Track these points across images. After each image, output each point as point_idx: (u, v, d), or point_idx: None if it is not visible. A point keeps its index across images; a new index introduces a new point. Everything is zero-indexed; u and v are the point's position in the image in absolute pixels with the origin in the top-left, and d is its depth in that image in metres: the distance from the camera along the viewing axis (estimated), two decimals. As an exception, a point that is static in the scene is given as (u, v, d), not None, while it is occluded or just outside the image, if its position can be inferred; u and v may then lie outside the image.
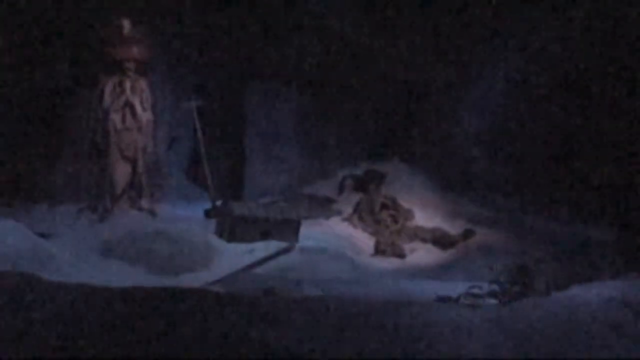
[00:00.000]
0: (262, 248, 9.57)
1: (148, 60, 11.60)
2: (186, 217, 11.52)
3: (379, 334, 5.37)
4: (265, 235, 9.93)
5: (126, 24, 11.45)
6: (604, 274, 8.14)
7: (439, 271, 9.73)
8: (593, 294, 6.65)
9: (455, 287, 7.38)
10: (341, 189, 12.54)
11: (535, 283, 7.19)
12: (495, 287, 6.70)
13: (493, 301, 6.57)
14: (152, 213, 11.39)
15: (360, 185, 12.39)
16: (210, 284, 8.59)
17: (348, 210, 12.03)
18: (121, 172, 11.40)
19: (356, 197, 12.28)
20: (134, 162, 11.43)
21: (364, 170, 12.51)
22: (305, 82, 12.70)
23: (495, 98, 12.33)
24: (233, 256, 9.48)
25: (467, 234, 11.09)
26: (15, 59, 11.85)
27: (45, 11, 11.71)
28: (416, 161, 12.76)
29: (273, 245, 9.63)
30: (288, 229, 10.04)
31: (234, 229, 9.90)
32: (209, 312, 5.91)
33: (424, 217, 11.94)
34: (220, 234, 10.13)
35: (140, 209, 11.44)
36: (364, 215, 11.77)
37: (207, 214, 11.39)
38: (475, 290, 6.37)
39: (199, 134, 11.61)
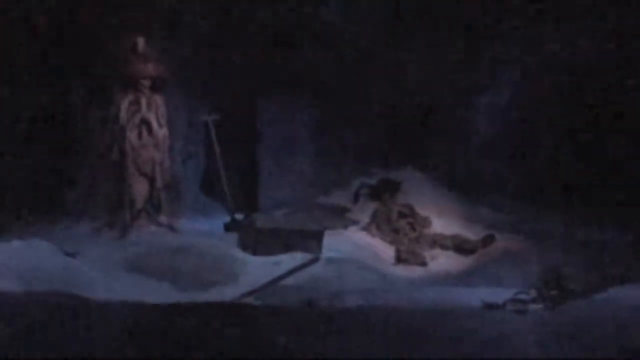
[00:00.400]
0: (288, 260, 9.60)
1: (163, 77, 11.65)
2: (205, 231, 11.55)
3: (435, 341, 5.42)
4: (289, 247, 9.95)
5: (141, 41, 11.51)
6: (633, 276, 8.23)
7: (465, 278, 9.76)
8: (631, 295, 6.74)
9: (493, 293, 7.45)
10: (356, 198, 12.56)
11: (572, 286, 7.26)
12: (534, 292, 6.76)
13: (534, 306, 6.62)
14: (172, 228, 11.42)
15: (375, 194, 12.42)
16: (241, 297, 8.62)
17: (364, 219, 12.07)
18: (139, 189, 11.43)
19: (371, 206, 12.31)
20: (151, 178, 11.47)
21: (379, 179, 12.54)
22: (318, 92, 12.74)
23: (508, 104, 12.40)
24: (259, 269, 9.50)
25: (488, 240, 11.15)
26: (28, 76, 11.87)
27: (57, 29, 11.73)
28: (429, 169, 12.80)
29: (298, 257, 9.66)
30: (312, 240, 10.07)
31: (258, 242, 9.93)
32: (258, 325, 5.95)
33: (441, 225, 11.97)
34: (244, 247, 10.16)
35: (159, 225, 11.47)
36: (381, 224, 11.81)
37: (227, 227, 11.42)
38: (522, 296, 6.41)
39: (216, 148, 11.64)
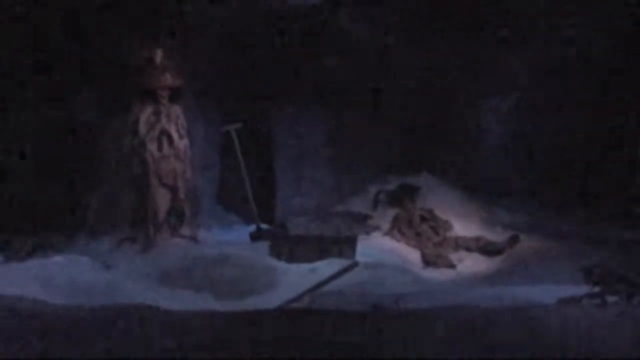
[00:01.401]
0: (324, 267, 9.57)
1: (181, 87, 11.58)
2: (228, 241, 11.49)
3: (521, 336, 5.42)
4: (323, 254, 9.93)
5: (158, 51, 11.43)
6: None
7: (499, 278, 9.79)
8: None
9: (548, 291, 7.50)
10: (375, 204, 12.57)
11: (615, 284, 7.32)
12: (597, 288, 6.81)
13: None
14: (194, 240, 11.33)
15: (394, 200, 12.44)
16: (287, 304, 8.57)
17: (385, 225, 12.08)
18: (161, 201, 11.33)
19: (391, 212, 12.34)
20: (173, 190, 11.37)
21: (397, 185, 12.56)
22: (332, 100, 12.74)
23: (523, 106, 12.51)
24: (297, 276, 9.46)
25: (513, 241, 11.21)
26: (42, 89, 11.76)
27: (72, 41, 11.62)
28: (445, 173, 12.85)
29: (334, 264, 9.64)
30: (346, 246, 10.07)
31: (293, 250, 9.89)
32: (333, 330, 5.91)
33: (461, 227, 12.03)
34: (277, 255, 10.11)
35: (181, 237, 11.37)
36: (404, 229, 11.83)
37: (253, 237, 11.36)
38: (597, 291, 6.45)
39: (239, 157, 11.59)
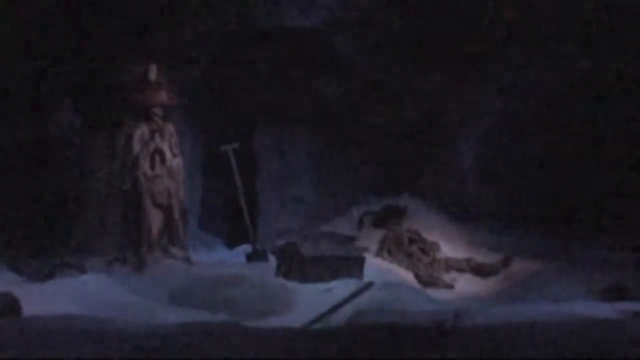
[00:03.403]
0: (340, 286, 9.52)
1: (174, 105, 11.42)
2: (224, 262, 11.35)
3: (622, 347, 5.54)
4: (334, 274, 9.89)
5: (153, 68, 11.24)
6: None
7: (510, 298, 9.94)
8: None
9: (590, 307, 7.69)
10: (360, 225, 12.63)
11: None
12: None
13: None
14: (188, 261, 11.11)
15: (380, 221, 12.53)
16: (310, 324, 8.50)
17: (371, 246, 12.14)
18: (155, 220, 11.09)
19: (376, 233, 12.42)
20: (167, 209, 11.15)
21: (383, 206, 12.66)
22: (316, 122, 12.79)
23: (504, 129, 12.80)
24: (313, 296, 9.37)
25: (507, 261, 11.43)
26: (27, 107, 11.43)
27: (59, 55, 11.33)
28: (426, 195, 13.02)
29: (350, 283, 9.61)
30: (354, 265, 10.06)
31: (304, 270, 9.82)
32: (412, 346, 5.91)
33: (447, 249, 12.20)
34: (285, 275, 10.02)
35: (173, 258, 11.14)
36: (393, 250, 11.92)
37: (249, 258, 11.25)
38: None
39: (237, 177, 11.47)
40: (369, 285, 9.47)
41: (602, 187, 12.27)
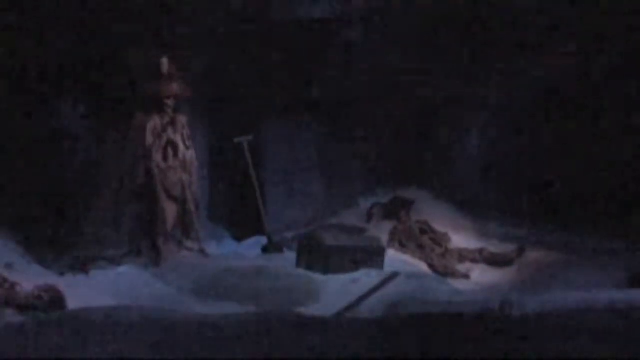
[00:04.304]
0: (365, 277, 9.51)
1: (187, 97, 11.29)
2: (238, 254, 11.25)
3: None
4: (356, 265, 9.86)
5: (164, 59, 11.09)
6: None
7: (533, 287, 9.97)
8: None
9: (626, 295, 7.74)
10: (369, 217, 12.59)
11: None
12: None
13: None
14: (203, 253, 11.00)
15: (389, 213, 12.50)
16: (343, 312, 8.47)
17: (382, 238, 12.10)
18: (170, 213, 10.95)
19: (385, 225, 12.39)
20: (181, 202, 11.02)
21: (391, 198, 12.62)
22: (324, 113, 12.73)
23: (512, 120, 12.84)
24: (339, 287, 9.36)
25: (520, 252, 11.47)
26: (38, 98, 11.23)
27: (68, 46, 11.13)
28: (434, 187, 13.01)
29: (373, 274, 9.60)
30: (375, 256, 10.04)
31: (327, 260, 9.77)
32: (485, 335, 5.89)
33: (457, 240, 12.21)
34: (307, 266, 9.95)
35: (188, 250, 11.03)
36: (404, 241, 11.90)
37: (265, 250, 11.17)
38: None
39: (251, 169, 11.38)
40: (395, 275, 9.47)
41: (614, 179, 12.32)
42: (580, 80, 12.50)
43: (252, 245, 11.84)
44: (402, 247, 11.87)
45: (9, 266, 8.55)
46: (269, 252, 11.13)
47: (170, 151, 11.04)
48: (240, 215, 12.72)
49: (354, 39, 12.04)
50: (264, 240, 11.90)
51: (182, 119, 11.18)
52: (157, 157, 10.97)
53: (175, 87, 11.09)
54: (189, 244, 11.08)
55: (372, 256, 10.04)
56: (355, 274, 9.60)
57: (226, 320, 5.86)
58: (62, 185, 11.23)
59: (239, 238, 12.55)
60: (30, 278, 7.73)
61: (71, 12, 10.98)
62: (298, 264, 10.14)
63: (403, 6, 12.02)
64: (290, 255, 10.79)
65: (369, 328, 5.87)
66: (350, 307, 8.72)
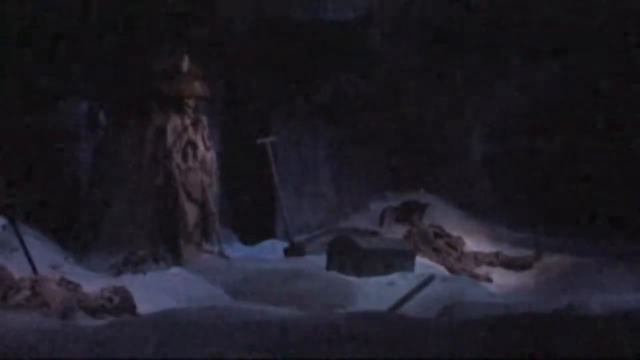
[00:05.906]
0: (401, 279, 9.47)
1: (208, 97, 11.14)
2: (259, 257, 11.12)
3: None
4: (388, 267, 9.82)
5: (185, 59, 10.92)
6: None
7: (554, 291, 10.02)
8: None
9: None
10: (382, 220, 12.56)
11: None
12: None
13: None
14: (223, 255, 10.84)
15: (401, 216, 12.49)
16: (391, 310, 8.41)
17: (396, 242, 12.09)
18: (190, 214, 10.78)
19: (397, 228, 12.38)
20: (201, 203, 10.85)
21: (404, 202, 12.61)
22: (334, 116, 12.69)
23: (524, 124, 12.93)
24: (375, 290, 9.30)
25: (538, 256, 11.54)
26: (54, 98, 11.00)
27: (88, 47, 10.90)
28: (443, 191, 13.05)
29: (410, 277, 9.57)
30: (406, 259, 10.02)
31: (361, 263, 9.71)
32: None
33: (469, 243, 12.25)
34: (338, 268, 9.87)
35: (208, 252, 10.87)
36: (420, 245, 11.88)
37: (287, 252, 11.06)
38: None
39: (274, 171, 11.26)
40: (432, 278, 9.44)
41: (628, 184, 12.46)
42: (590, 82, 12.68)
43: (267, 248, 11.73)
44: (418, 250, 11.85)
45: (55, 267, 8.32)
46: (291, 254, 11.02)
47: (190, 152, 10.90)
48: (248, 218, 12.62)
49: (373, 41, 12.01)
50: (278, 243, 11.82)
51: (202, 120, 11.04)
52: (177, 157, 10.80)
53: (196, 87, 10.95)
54: (208, 246, 10.94)
55: (403, 259, 10.03)
56: (391, 277, 9.56)
57: (323, 321, 5.70)
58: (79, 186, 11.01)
59: (246, 241, 12.42)
60: (80, 279, 7.50)
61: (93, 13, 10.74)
62: (329, 266, 10.05)
63: (418, 13, 12.03)
64: (312, 258, 10.72)
65: (474, 330, 5.75)
66: (394, 308, 8.68)
